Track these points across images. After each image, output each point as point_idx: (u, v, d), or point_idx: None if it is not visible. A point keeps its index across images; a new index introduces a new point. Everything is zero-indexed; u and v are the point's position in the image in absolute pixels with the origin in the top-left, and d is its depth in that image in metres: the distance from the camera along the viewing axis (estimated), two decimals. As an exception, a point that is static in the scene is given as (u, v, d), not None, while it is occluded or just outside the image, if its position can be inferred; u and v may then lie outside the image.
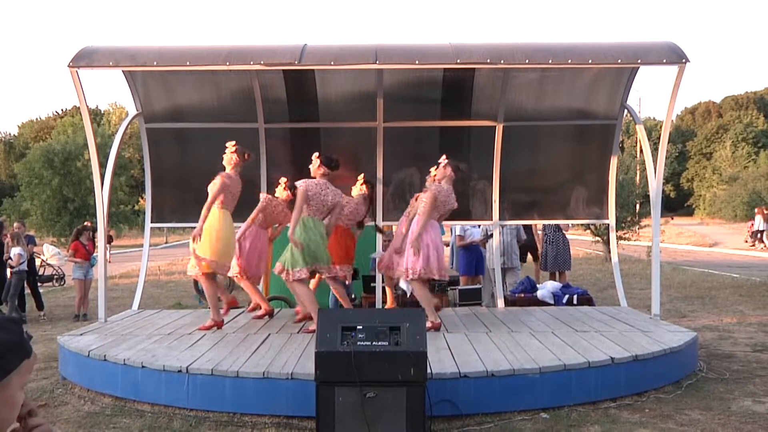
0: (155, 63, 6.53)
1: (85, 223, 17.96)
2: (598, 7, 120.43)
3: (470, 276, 9.67)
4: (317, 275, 7.04)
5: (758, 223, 25.63)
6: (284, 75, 7.98)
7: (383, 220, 8.35)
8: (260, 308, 7.38)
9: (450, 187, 6.61)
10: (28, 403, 1.43)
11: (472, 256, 9.63)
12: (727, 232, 33.22)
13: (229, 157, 6.59)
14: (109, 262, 23.88)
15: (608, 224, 8.79)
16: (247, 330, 6.67)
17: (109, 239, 27.35)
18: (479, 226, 9.07)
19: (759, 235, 25.37)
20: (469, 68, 7.56)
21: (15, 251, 10.29)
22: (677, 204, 54.60)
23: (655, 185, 7.29)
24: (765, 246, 24.77)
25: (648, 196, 11.50)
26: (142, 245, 9.07)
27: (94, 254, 10.75)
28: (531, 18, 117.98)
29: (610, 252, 9.14)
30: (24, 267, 10.42)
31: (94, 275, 10.60)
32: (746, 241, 26.46)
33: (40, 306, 10.72)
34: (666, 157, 7.40)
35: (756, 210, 27.19)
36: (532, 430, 4.66)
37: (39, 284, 12.09)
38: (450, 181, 6.63)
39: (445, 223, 7.93)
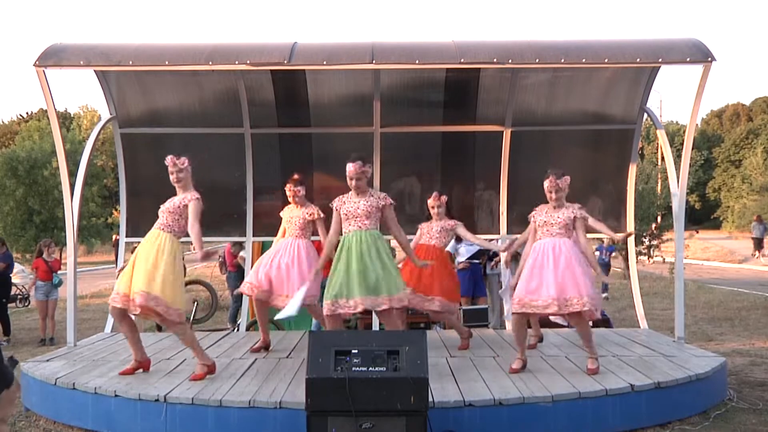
0: (131, 62, 6.57)
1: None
2: (614, 2, 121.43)
3: (469, 297, 9.54)
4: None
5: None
6: (272, 76, 8.03)
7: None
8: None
9: None
10: None
11: (468, 275, 9.42)
12: (758, 248, 33.11)
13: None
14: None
15: (627, 238, 8.79)
16: (231, 354, 6.66)
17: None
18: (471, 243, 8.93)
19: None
20: (474, 68, 7.61)
21: None
22: (703, 216, 54.64)
23: (678, 195, 7.33)
24: None
25: (670, 207, 11.53)
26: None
27: (62, 271, 10.73)
28: (541, 14, 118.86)
29: (628, 269, 9.16)
30: None
31: (60, 295, 10.57)
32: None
33: (6, 330, 10.67)
34: (690, 165, 7.46)
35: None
36: (544, 465, 4.66)
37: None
38: None
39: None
